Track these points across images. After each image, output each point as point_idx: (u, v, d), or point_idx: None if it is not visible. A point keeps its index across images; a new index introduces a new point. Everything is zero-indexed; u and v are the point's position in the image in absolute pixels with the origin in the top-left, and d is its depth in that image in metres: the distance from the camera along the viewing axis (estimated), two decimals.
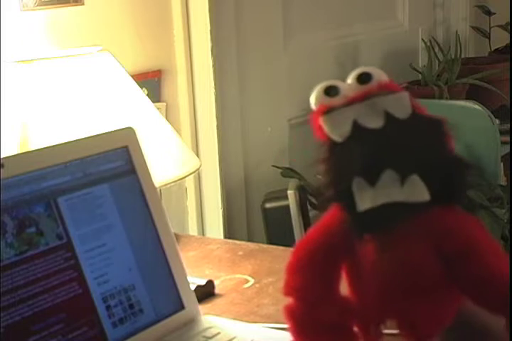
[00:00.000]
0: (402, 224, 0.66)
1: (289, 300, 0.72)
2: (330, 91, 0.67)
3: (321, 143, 0.68)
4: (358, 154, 0.65)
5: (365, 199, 0.65)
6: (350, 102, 0.66)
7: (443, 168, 0.66)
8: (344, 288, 0.72)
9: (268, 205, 1.68)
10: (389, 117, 0.66)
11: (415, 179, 0.65)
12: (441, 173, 0.66)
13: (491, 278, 0.64)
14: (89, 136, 0.81)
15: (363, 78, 0.67)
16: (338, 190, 0.66)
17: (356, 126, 0.66)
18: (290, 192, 1.63)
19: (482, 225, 0.68)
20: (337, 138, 0.66)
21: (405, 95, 0.67)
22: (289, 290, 0.71)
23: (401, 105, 0.66)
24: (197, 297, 0.85)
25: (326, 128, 0.67)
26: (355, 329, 0.72)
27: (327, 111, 0.67)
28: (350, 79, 0.68)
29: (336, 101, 0.67)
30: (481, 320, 0.69)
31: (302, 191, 1.65)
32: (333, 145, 0.67)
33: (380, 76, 0.68)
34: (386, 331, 0.70)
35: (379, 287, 0.67)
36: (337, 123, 0.66)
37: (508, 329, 0.65)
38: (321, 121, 0.67)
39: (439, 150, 0.66)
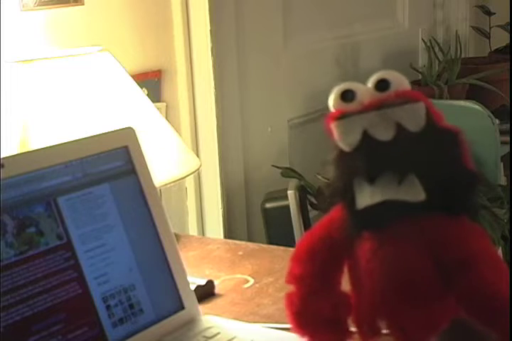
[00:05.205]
0: (400, 225, 0.65)
1: (290, 288, 0.73)
2: (346, 96, 0.66)
3: (332, 144, 0.67)
4: (363, 165, 0.65)
5: (364, 197, 0.65)
6: (364, 110, 0.65)
7: (450, 180, 0.65)
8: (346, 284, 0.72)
9: (268, 205, 1.68)
10: (400, 129, 0.64)
11: (412, 178, 0.64)
12: (448, 185, 0.65)
13: (486, 292, 0.63)
14: (89, 136, 0.81)
15: (381, 85, 0.66)
16: (341, 190, 0.67)
17: (366, 136, 0.65)
18: (290, 192, 1.63)
19: (486, 237, 0.67)
20: (345, 147, 0.66)
21: (421, 106, 0.65)
22: (290, 278, 0.73)
23: (414, 117, 0.65)
24: (197, 297, 0.85)
25: (336, 135, 0.66)
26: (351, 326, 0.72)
27: (340, 116, 0.66)
28: (370, 84, 0.67)
29: (350, 106, 0.66)
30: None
31: (302, 191, 1.66)
32: (341, 151, 0.67)
33: (399, 83, 0.66)
34: (384, 331, 0.70)
35: (372, 287, 0.67)
36: (347, 132, 0.65)
37: None
38: (333, 126, 0.66)
39: (448, 163, 0.65)
